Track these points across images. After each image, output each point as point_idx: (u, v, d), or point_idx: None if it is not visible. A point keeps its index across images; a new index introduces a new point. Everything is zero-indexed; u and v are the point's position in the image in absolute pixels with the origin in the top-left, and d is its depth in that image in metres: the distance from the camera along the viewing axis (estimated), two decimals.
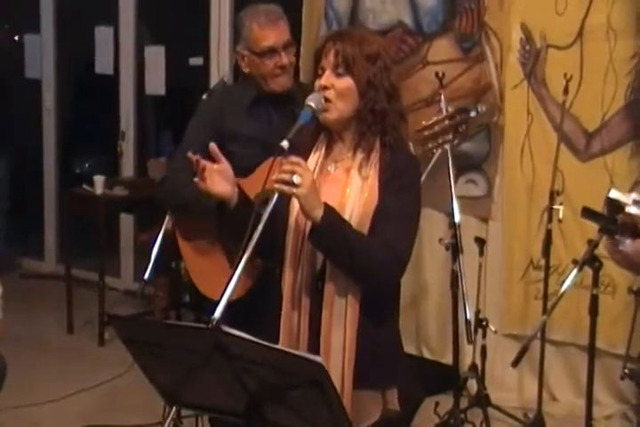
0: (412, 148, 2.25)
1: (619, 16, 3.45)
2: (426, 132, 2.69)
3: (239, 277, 1.74)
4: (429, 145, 2.71)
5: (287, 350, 1.70)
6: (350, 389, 1.88)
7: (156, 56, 5.32)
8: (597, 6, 3.50)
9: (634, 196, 1.58)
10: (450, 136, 2.75)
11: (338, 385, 1.86)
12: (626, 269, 1.63)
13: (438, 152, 3.20)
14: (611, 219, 1.58)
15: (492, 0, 3.81)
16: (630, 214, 1.56)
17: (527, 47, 3.73)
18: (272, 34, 2.58)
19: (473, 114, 2.98)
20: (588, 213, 1.65)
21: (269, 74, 2.60)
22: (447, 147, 2.81)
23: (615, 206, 1.57)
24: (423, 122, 2.68)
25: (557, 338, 3.65)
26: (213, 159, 2.63)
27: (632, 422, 3.36)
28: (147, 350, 1.73)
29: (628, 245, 1.58)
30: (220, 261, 2.65)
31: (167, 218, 2.81)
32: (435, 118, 2.76)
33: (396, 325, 2.02)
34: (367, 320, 1.90)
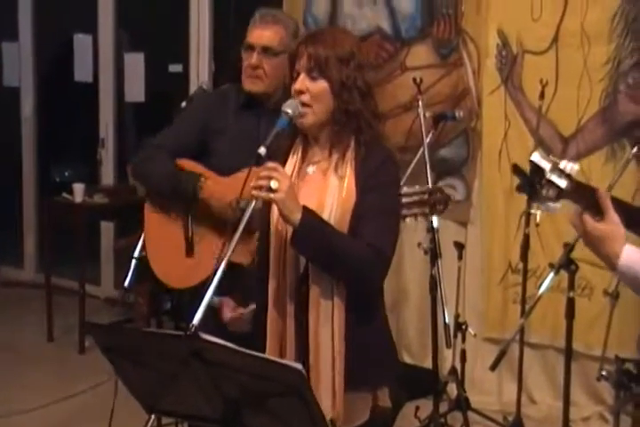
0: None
1: (592, 22, 3.50)
2: (404, 199, 2.69)
3: (218, 282, 1.74)
4: (403, 211, 2.72)
5: (265, 356, 1.71)
6: (342, 390, 1.89)
7: (135, 63, 5.32)
8: (571, 13, 3.55)
9: (562, 164, 1.60)
10: (426, 210, 2.76)
11: (329, 388, 1.88)
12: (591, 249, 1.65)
13: (417, 157, 3.23)
14: (529, 181, 1.60)
15: (469, 6, 3.85)
16: (550, 181, 1.58)
17: (504, 53, 3.77)
18: (256, 32, 2.60)
19: (455, 197, 2.99)
20: (516, 170, 1.68)
21: (243, 71, 2.63)
22: (420, 219, 2.82)
23: (537, 170, 1.59)
24: (405, 188, 2.70)
25: (536, 341, 3.68)
26: (194, 153, 2.64)
27: (609, 423, 3.38)
28: (126, 358, 1.73)
29: (552, 207, 1.61)
30: (177, 244, 2.65)
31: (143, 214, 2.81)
32: (417, 187, 2.77)
33: (384, 322, 2.03)
34: (355, 320, 1.91)
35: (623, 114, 3.49)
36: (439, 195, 2.75)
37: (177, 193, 2.62)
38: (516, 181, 3.75)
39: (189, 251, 2.63)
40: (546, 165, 1.59)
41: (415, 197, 2.71)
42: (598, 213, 1.61)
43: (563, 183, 1.59)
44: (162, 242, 2.69)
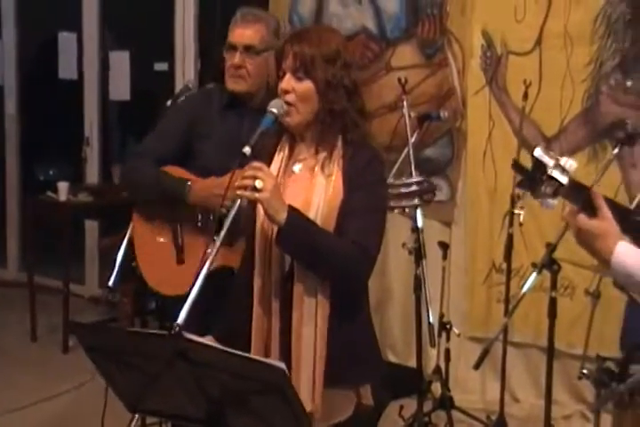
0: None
1: (575, 24, 3.53)
2: (393, 191, 2.68)
3: (202, 283, 1.74)
4: (391, 204, 2.70)
5: (249, 356, 1.71)
6: (321, 388, 1.90)
7: (120, 61, 5.31)
8: (555, 14, 3.57)
9: (563, 160, 1.61)
10: (415, 201, 2.74)
11: (309, 383, 1.89)
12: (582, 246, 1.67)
13: (402, 157, 3.24)
14: (531, 176, 1.62)
15: (453, 7, 3.87)
16: (551, 177, 1.60)
17: (488, 53, 3.79)
18: (238, 31, 2.61)
19: (439, 197, 2.95)
20: (516, 165, 1.69)
21: (226, 71, 2.63)
22: (407, 211, 2.79)
23: (539, 166, 1.61)
24: (390, 179, 2.68)
25: (519, 340, 3.70)
26: (180, 156, 2.63)
27: (590, 421, 3.41)
28: (109, 358, 1.73)
29: (550, 203, 1.62)
30: (168, 252, 2.66)
31: (132, 224, 2.81)
32: (403, 179, 2.76)
33: (368, 321, 2.04)
34: (338, 319, 1.92)
35: (605, 115, 3.52)
36: (426, 184, 2.75)
37: (166, 197, 2.62)
38: (501, 181, 3.79)
39: (180, 258, 2.63)
40: (548, 161, 1.60)
41: (402, 189, 2.72)
42: (592, 212, 1.62)
43: (564, 179, 1.60)
44: (152, 251, 2.68)
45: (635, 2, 3.43)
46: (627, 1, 3.44)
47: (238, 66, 2.60)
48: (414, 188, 2.74)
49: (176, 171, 2.65)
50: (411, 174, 3.00)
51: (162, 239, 2.67)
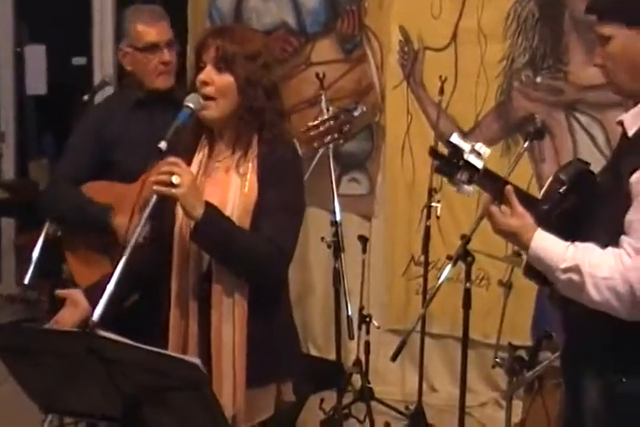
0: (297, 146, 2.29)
1: (488, 21, 3.61)
2: (312, 132, 2.74)
3: (118, 280, 1.73)
4: (315, 144, 2.77)
5: (163, 351, 1.70)
6: (243, 388, 1.90)
7: (36, 55, 5.20)
8: (469, 11, 3.65)
9: (478, 146, 1.66)
10: (335, 135, 2.81)
11: (230, 384, 1.89)
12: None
13: (320, 151, 3.26)
14: (448, 162, 1.66)
15: (371, 2, 3.91)
16: (467, 162, 1.65)
17: (406, 49, 3.85)
18: (155, 30, 2.62)
19: (356, 113, 3.05)
20: (433, 152, 1.73)
21: (153, 71, 2.62)
22: (331, 146, 2.88)
23: (455, 151, 1.65)
24: (309, 123, 2.75)
25: (436, 331, 3.76)
26: (97, 170, 2.63)
27: (503, 407, 3.50)
28: (21, 358, 1.70)
29: (466, 190, 1.68)
30: (103, 260, 2.62)
31: (47, 222, 2.76)
32: (320, 119, 2.82)
33: (288, 318, 2.05)
34: (257, 317, 1.92)
35: (517, 110, 3.61)
36: (342, 117, 2.82)
37: (90, 228, 2.60)
38: (419, 174, 3.83)
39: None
40: (465, 146, 1.64)
41: (322, 128, 2.77)
42: (502, 202, 1.67)
43: (479, 164, 1.64)
44: (90, 269, 2.62)
45: (542, 1, 3.54)
46: (535, 0, 3.55)
47: (169, 62, 2.61)
48: (332, 122, 2.80)
49: (99, 187, 2.62)
50: (330, 175, 3.06)
51: (96, 254, 2.63)
